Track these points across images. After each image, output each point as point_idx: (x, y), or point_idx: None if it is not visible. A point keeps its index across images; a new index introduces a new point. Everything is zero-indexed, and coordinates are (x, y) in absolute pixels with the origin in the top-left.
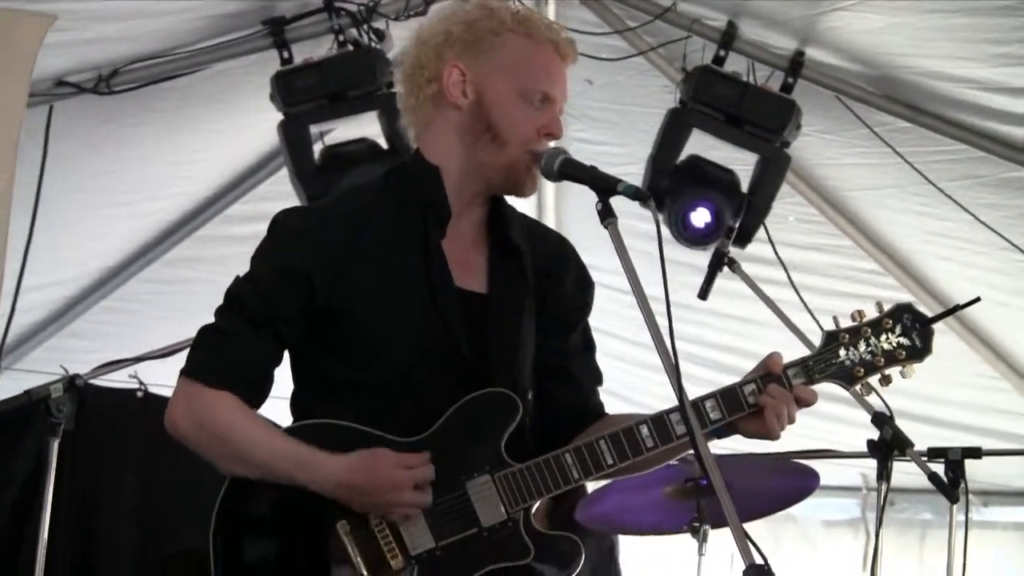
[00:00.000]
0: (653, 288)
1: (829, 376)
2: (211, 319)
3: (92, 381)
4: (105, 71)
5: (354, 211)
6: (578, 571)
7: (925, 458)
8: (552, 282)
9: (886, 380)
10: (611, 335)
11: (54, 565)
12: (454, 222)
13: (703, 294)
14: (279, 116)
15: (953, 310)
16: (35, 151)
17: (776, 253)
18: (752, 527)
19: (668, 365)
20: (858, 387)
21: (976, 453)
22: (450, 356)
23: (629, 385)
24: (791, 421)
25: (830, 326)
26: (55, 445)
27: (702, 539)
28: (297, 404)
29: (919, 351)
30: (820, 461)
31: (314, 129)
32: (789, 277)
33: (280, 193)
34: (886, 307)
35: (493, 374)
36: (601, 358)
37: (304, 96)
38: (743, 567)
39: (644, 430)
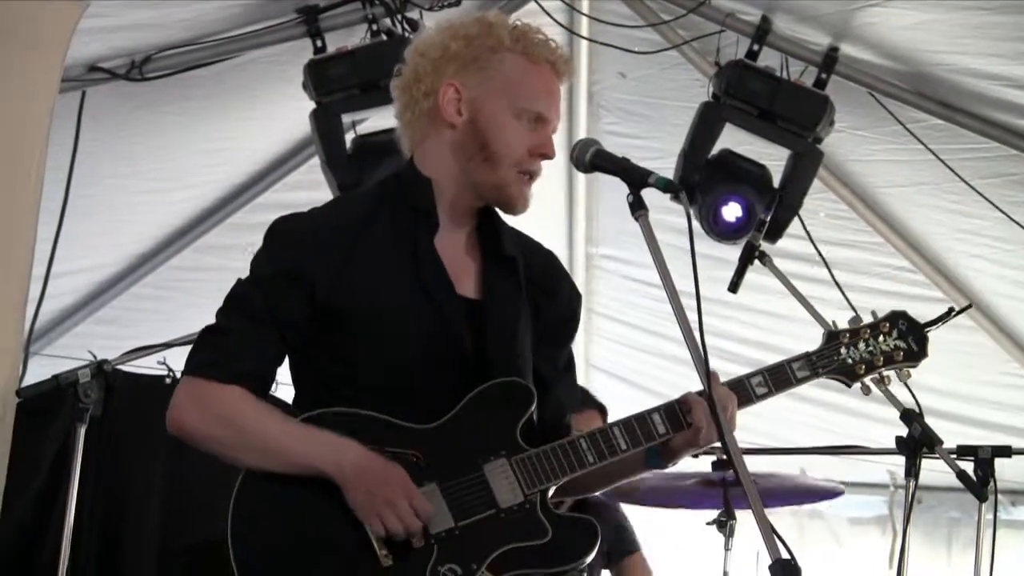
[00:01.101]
0: (683, 282)
1: (831, 371)
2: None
3: (120, 367)
4: (138, 57)
5: (350, 218)
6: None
7: (954, 456)
8: (546, 295)
9: (884, 380)
10: (640, 328)
11: (79, 550)
12: (447, 231)
13: (733, 288)
14: (311, 105)
15: (946, 317)
16: (67, 136)
17: (816, 248)
18: (778, 523)
19: (697, 359)
20: (857, 385)
21: (1006, 452)
22: (451, 358)
23: (658, 379)
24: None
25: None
26: (82, 430)
27: (728, 534)
28: (299, 407)
29: (915, 354)
30: (848, 458)
31: (346, 118)
32: (830, 271)
33: (311, 182)
34: (881, 314)
35: (495, 375)
36: (631, 352)
37: (337, 85)
38: (769, 563)
39: (656, 418)
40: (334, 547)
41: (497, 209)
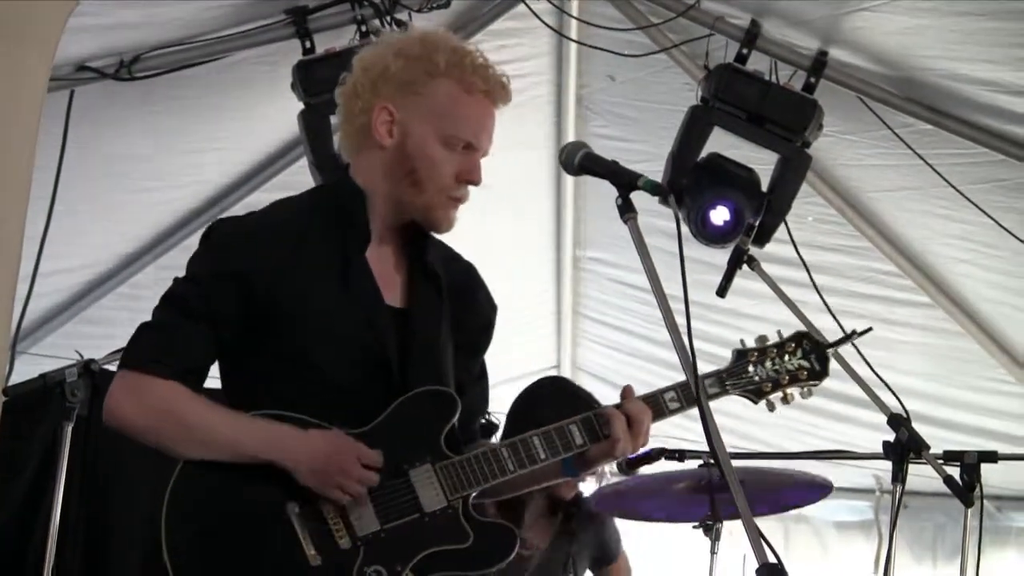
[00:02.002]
0: (671, 285)
1: (739, 388)
2: None
3: (107, 366)
4: (127, 57)
5: (287, 224)
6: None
7: (941, 461)
8: (464, 305)
9: (788, 398)
10: (627, 332)
11: (65, 548)
12: (378, 242)
13: (722, 292)
14: (300, 105)
15: (846, 339)
16: (55, 136)
17: (799, 254)
18: (764, 527)
19: (685, 363)
20: (763, 402)
21: (992, 457)
22: (378, 365)
23: (645, 383)
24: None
25: (842, 331)
26: (69, 429)
27: (715, 537)
28: (229, 400)
29: (818, 373)
30: (833, 463)
31: (334, 119)
32: (811, 277)
33: (299, 183)
34: (786, 334)
35: (418, 381)
36: (619, 355)
37: (325, 86)
38: (755, 566)
39: (574, 429)
40: (264, 545)
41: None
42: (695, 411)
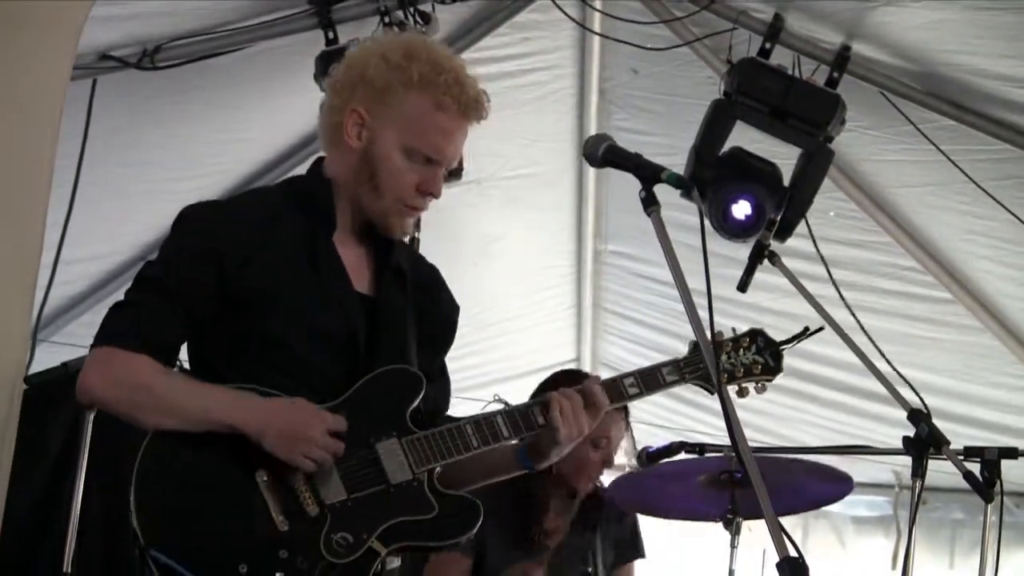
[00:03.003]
0: (692, 279)
1: (697, 378)
2: None
3: None
4: (150, 46)
5: (258, 210)
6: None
7: (961, 457)
8: (428, 301)
9: (743, 392)
10: (648, 325)
11: (85, 537)
12: (344, 233)
13: (743, 286)
14: (322, 96)
15: (799, 337)
16: (77, 125)
17: (817, 249)
18: (783, 522)
19: (708, 357)
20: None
21: (1013, 453)
22: (346, 347)
23: None
24: (579, 418)
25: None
26: (90, 418)
27: (735, 531)
28: (196, 376)
29: (772, 369)
30: (853, 458)
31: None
32: (829, 273)
33: None
34: (740, 330)
35: (385, 362)
36: (640, 349)
37: None
38: (776, 561)
39: (536, 410)
40: (232, 512)
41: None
42: (717, 405)
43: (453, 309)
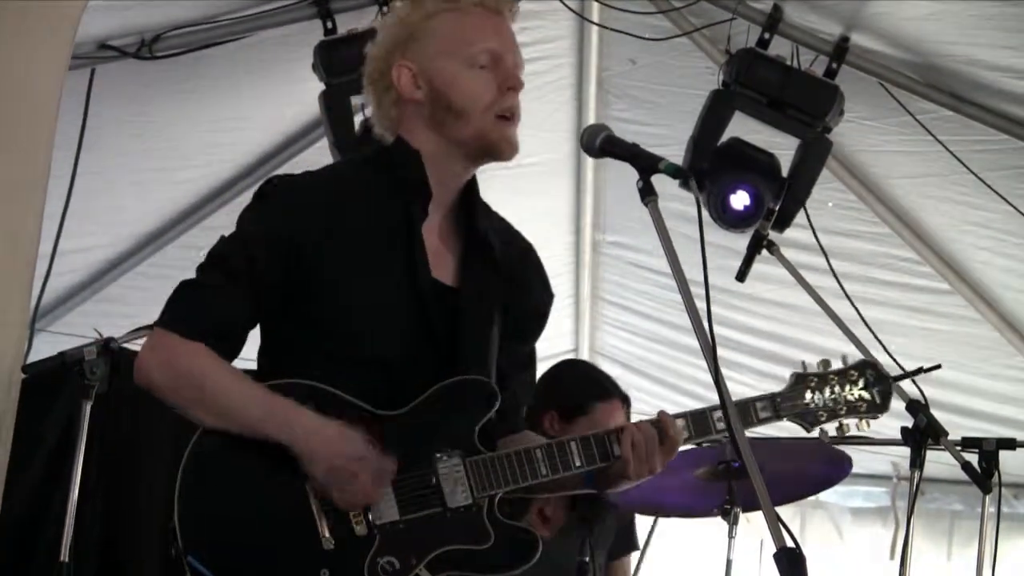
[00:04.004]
0: (690, 270)
1: (794, 415)
2: None
3: (126, 345)
4: (148, 36)
5: (342, 188)
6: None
7: (959, 448)
8: (518, 287)
9: (844, 428)
10: (646, 316)
11: (83, 526)
12: (434, 208)
13: (741, 276)
14: (321, 86)
15: (915, 372)
16: (76, 114)
17: (817, 239)
18: (780, 513)
19: (705, 347)
20: (816, 431)
21: (1011, 444)
22: (423, 342)
23: (664, 367)
24: (651, 457)
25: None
26: (87, 407)
27: (733, 521)
28: (261, 369)
29: (877, 407)
30: (851, 448)
31: (355, 100)
32: (828, 262)
33: (319, 163)
34: (850, 361)
35: (465, 363)
36: (638, 339)
37: (346, 67)
38: (773, 551)
39: (613, 438)
40: (277, 525)
41: (489, 161)
42: (714, 395)
43: (547, 298)
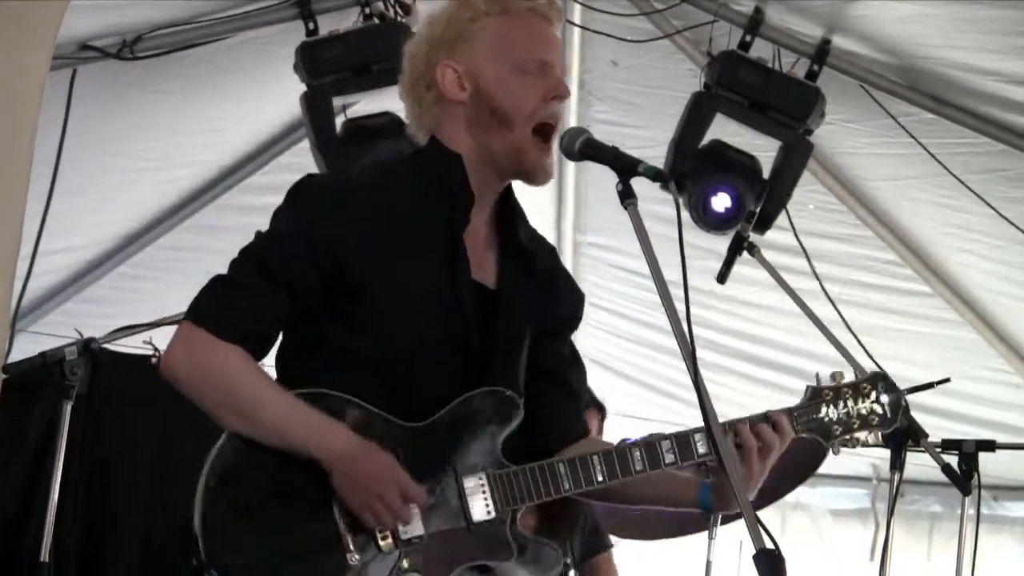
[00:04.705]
0: (670, 271)
1: (810, 429)
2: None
3: (107, 346)
4: (129, 37)
5: (382, 188)
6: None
7: (939, 450)
8: (552, 291)
9: (855, 442)
10: (627, 317)
11: (64, 526)
12: (474, 209)
13: (722, 278)
14: (302, 87)
15: (926, 387)
16: (57, 115)
17: (799, 242)
18: (760, 514)
19: (685, 350)
20: (831, 444)
21: (990, 446)
22: (458, 348)
23: (644, 368)
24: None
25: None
26: (68, 408)
27: (713, 522)
28: (286, 368)
29: (887, 420)
30: None
31: (337, 101)
32: (811, 264)
33: (301, 165)
34: (861, 374)
35: (494, 372)
36: (618, 341)
37: (328, 68)
38: (752, 552)
39: (636, 453)
40: (302, 536)
41: (519, 181)
42: (693, 397)
43: (576, 300)
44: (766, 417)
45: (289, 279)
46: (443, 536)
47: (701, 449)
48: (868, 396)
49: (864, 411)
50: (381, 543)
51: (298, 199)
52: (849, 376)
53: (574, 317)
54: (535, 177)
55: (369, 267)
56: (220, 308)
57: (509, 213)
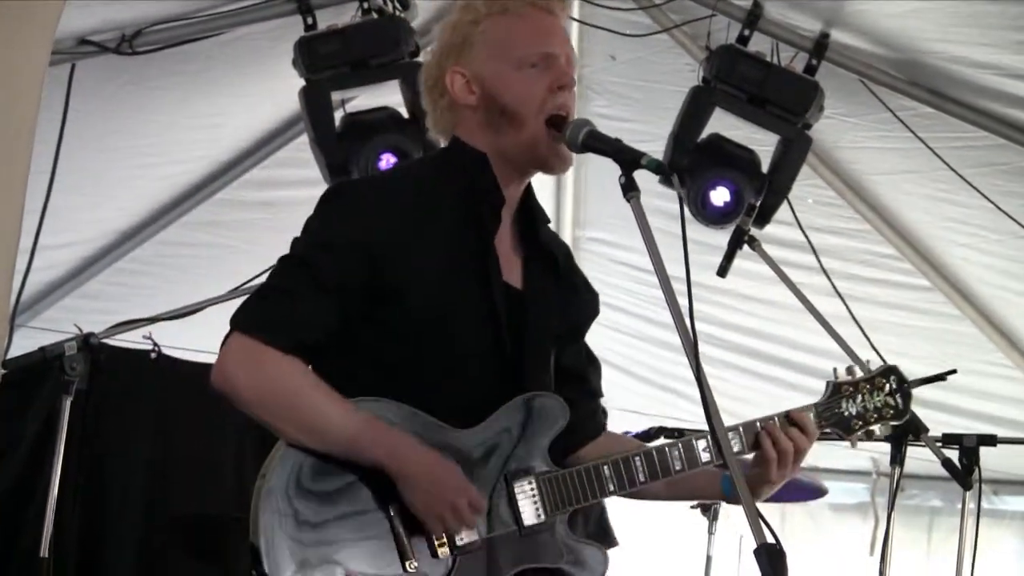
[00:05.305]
0: (671, 266)
1: (832, 424)
2: (225, 282)
3: (106, 341)
4: (128, 31)
5: (413, 192)
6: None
7: (939, 444)
8: (570, 290)
9: (870, 435)
10: (627, 312)
11: (62, 522)
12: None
13: (722, 271)
14: (301, 82)
15: (932, 379)
16: (56, 110)
17: (805, 234)
18: (760, 508)
19: (687, 344)
20: (852, 438)
21: (991, 441)
22: (492, 351)
23: (645, 364)
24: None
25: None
26: (67, 403)
27: (712, 517)
28: (326, 375)
29: (900, 412)
30: (831, 444)
31: (336, 96)
32: (818, 258)
33: (300, 160)
34: (873, 367)
35: (528, 375)
36: (619, 336)
37: (327, 62)
38: (752, 547)
39: (675, 452)
40: (360, 546)
41: (538, 172)
42: (694, 391)
43: (593, 300)
44: (792, 419)
45: (341, 286)
46: (497, 542)
47: (735, 447)
48: (882, 389)
49: (879, 404)
50: (439, 550)
51: (332, 206)
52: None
53: (591, 317)
54: (551, 166)
55: (406, 272)
56: (276, 318)
57: (531, 214)
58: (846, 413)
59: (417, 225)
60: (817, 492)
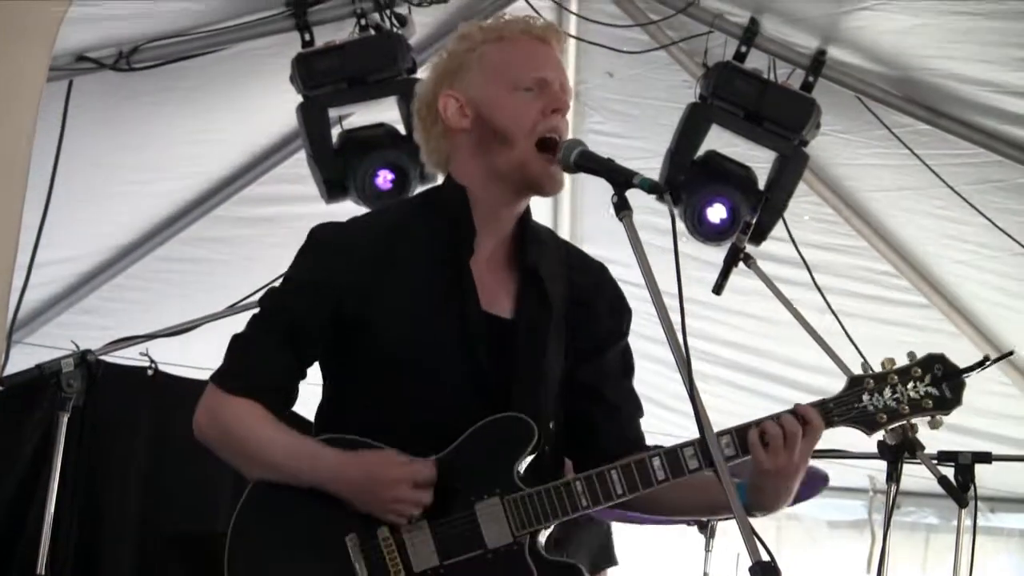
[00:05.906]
0: (666, 283)
1: (849, 420)
2: (223, 298)
3: (103, 357)
4: (126, 48)
5: (388, 230)
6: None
7: (935, 461)
8: (585, 311)
9: (913, 429)
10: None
11: (59, 539)
12: (484, 244)
13: (718, 289)
14: (298, 98)
15: (982, 364)
16: (53, 126)
17: (798, 251)
18: (756, 525)
19: (680, 361)
20: (880, 433)
21: (987, 458)
22: (474, 382)
23: (639, 380)
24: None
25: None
26: (64, 420)
27: (709, 534)
28: (321, 413)
29: (948, 402)
30: (827, 462)
31: (333, 112)
32: (811, 275)
33: (297, 176)
34: (918, 356)
35: (515, 402)
36: None
37: (324, 79)
38: (749, 565)
39: (656, 462)
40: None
41: (532, 195)
42: (687, 406)
43: (618, 313)
44: (792, 410)
45: (293, 331)
46: (460, 566)
47: (727, 452)
48: (922, 380)
49: (915, 395)
50: None
51: (305, 251)
52: (903, 362)
53: (614, 332)
54: (543, 187)
55: (378, 307)
56: (234, 366)
57: (524, 236)
58: (869, 407)
59: (386, 263)
60: (817, 477)
